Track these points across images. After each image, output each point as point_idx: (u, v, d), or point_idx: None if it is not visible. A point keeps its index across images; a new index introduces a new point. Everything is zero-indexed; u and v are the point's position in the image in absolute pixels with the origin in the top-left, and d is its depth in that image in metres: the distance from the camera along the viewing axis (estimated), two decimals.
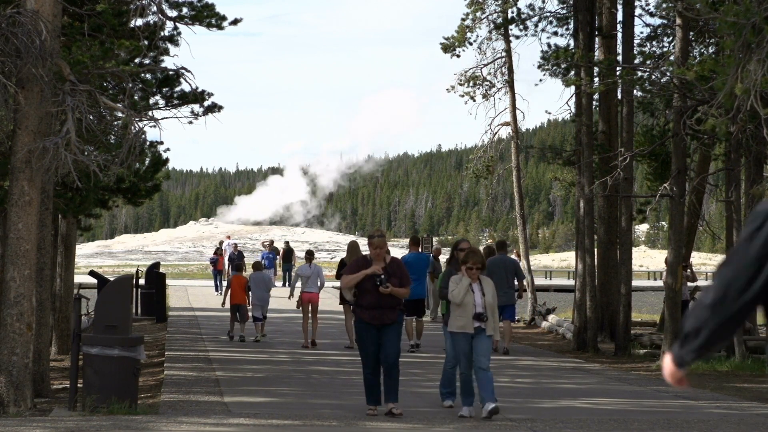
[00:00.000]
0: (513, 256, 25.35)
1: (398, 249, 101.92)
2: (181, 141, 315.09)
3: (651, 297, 41.79)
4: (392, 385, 11.23)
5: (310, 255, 20.41)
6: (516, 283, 19.12)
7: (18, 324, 11.86)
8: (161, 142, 19.78)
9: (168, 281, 29.33)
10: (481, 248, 17.84)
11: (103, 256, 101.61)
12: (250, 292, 21.22)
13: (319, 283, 19.79)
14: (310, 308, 19.56)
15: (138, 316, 27.31)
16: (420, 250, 19.66)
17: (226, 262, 36.81)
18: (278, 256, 41.36)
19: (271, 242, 43.66)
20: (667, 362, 3.90)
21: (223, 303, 22.50)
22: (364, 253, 12.81)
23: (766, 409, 12.77)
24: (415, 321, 18.84)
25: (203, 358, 17.44)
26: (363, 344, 11.13)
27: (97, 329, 11.85)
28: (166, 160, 20.04)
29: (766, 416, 12.16)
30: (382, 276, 10.94)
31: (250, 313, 20.93)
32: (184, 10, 16.09)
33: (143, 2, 14.27)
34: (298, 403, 12.32)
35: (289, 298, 21.76)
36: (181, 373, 15.11)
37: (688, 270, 22.11)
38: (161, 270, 28.66)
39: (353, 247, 18.38)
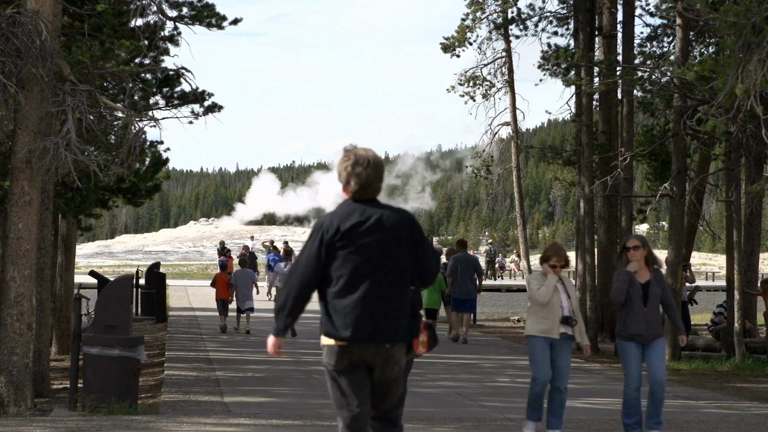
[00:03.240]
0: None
1: None
2: (182, 141, 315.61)
3: None
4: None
5: (288, 253, 21.89)
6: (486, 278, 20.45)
7: (18, 324, 11.86)
8: (161, 142, 19.84)
9: (168, 281, 29.35)
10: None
11: (103, 256, 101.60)
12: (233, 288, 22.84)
13: None
14: None
15: (138, 316, 27.32)
16: None
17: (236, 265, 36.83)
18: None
19: (272, 242, 43.71)
20: (270, 338, 5.95)
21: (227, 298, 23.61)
22: None
23: (766, 409, 12.77)
24: None
25: (203, 358, 17.44)
26: None
27: (97, 329, 11.85)
28: (166, 160, 20.08)
29: (766, 416, 12.16)
30: None
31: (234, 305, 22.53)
32: (184, 10, 16.09)
33: (143, 2, 14.28)
34: (298, 403, 12.32)
35: (268, 294, 22.62)
36: (181, 373, 15.12)
37: (687, 271, 22.12)
38: (161, 270, 28.67)
39: None
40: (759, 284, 21.03)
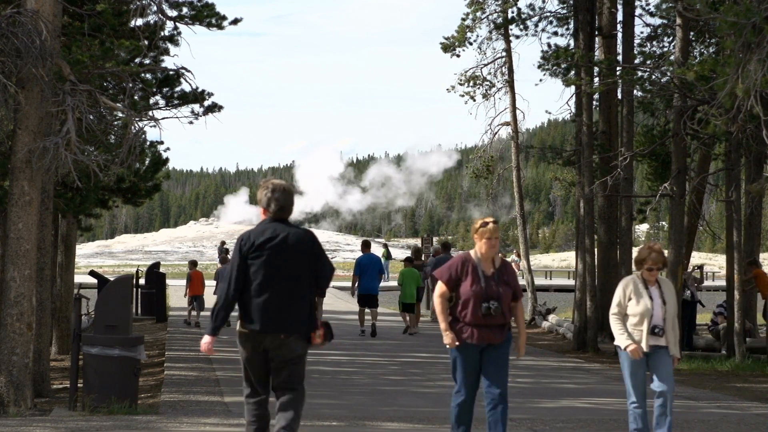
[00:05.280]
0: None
1: (398, 249, 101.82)
2: (182, 141, 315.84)
3: None
4: (501, 422, 8.50)
5: None
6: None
7: (18, 324, 11.86)
8: (161, 142, 19.84)
9: (168, 281, 29.33)
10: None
11: (103, 256, 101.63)
12: (215, 283, 24.19)
13: None
14: None
15: (138, 316, 27.31)
16: (370, 252, 22.74)
17: None
18: None
19: None
20: (205, 338, 7.53)
21: (185, 294, 25.01)
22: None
23: (766, 409, 12.76)
24: (369, 311, 22.12)
25: (203, 358, 17.43)
26: (462, 369, 8.36)
27: (97, 329, 11.84)
28: (166, 160, 20.07)
29: (766, 416, 12.15)
30: (493, 304, 8.23)
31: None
32: (184, 9, 16.09)
33: (143, 2, 14.27)
34: None
35: None
36: (181, 373, 15.11)
37: (700, 272, 22.25)
38: (161, 270, 28.67)
39: None
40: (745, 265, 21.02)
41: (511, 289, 8.31)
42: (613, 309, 8.88)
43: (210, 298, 26.03)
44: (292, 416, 7.51)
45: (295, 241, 7.54)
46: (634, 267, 9.37)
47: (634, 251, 10.22)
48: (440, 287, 8.32)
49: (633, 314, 8.79)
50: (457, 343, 8.23)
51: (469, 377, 8.34)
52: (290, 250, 7.50)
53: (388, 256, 54.60)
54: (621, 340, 8.81)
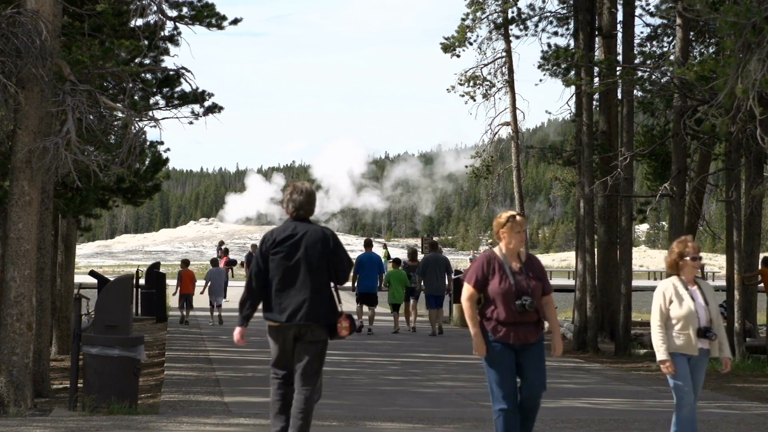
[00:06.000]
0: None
1: (398, 249, 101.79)
2: (182, 141, 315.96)
3: (651, 297, 41.69)
4: (531, 424, 8.08)
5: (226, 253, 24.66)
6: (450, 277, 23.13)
7: (18, 324, 11.86)
8: (161, 142, 19.86)
9: (168, 281, 29.34)
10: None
11: (103, 256, 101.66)
12: (204, 284, 24.79)
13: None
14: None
15: (138, 316, 27.31)
16: (372, 251, 23.16)
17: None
18: None
19: None
20: (236, 329, 8.11)
21: (175, 293, 26.11)
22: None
23: (766, 409, 12.76)
24: (369, 309, 22.65)
25: (203, 358, 17.44)
26: (498, 372, 7.84)
27: (97, 329, 11.84)
28: (166, 160, 20.08)
29: (766, 416, 12.15)
30: (526, 300, 7.76)
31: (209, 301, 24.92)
32: (184, 9, 16.10)
33: (143, 2, 14.26)
34: None
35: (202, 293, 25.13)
36: (181, 373, 15.11)
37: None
38: (161, 270, 28.68)
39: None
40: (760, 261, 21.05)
41: (541, 284, 7.86)
42: (656, 316, 8.37)
43: (198, 298, 26.44)
44: (308, 401, 8.10)
45: (313, 237, 8.05)
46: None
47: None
48: (467, 290, 7.83)
49: (676, 318, 8.29)
50: (485, 353, 7.78)
51: (509, 381, 7.80)
52: (308, 246, 8.01)
53: (389, 256, 54.61)
54: (659, 353, 8.32)
